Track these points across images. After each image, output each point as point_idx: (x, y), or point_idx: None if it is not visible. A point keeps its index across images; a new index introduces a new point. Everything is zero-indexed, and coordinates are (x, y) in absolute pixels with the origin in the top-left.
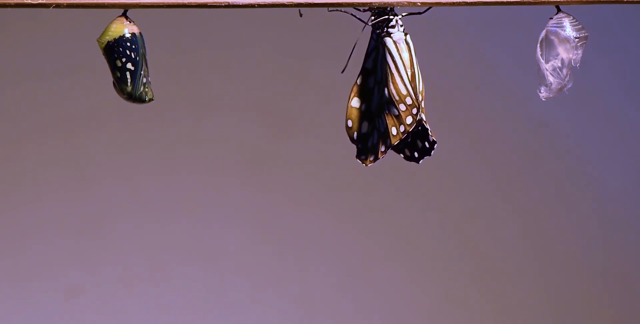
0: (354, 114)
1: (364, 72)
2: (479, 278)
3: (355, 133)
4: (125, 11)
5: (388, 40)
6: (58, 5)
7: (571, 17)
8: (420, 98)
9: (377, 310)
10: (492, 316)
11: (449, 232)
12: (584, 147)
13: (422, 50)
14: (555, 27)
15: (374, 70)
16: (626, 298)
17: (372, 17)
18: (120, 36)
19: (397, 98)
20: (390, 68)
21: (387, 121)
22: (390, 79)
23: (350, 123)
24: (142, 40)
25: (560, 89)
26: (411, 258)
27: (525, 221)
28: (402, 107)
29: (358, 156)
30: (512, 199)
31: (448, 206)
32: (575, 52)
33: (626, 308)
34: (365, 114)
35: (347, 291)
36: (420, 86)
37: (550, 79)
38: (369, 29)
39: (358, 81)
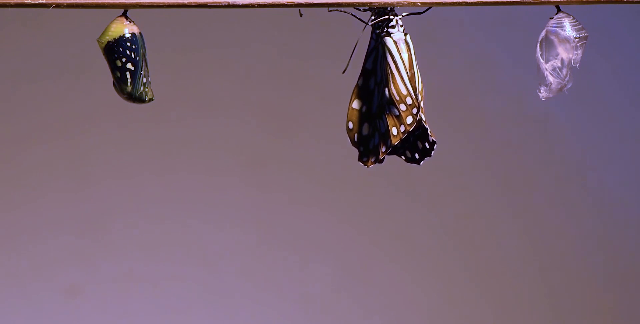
0: (355, 115)
1: (365, 73)
2: (478, 277)
3: (356, 135)
4: (125, 11)
5: (388, 40)
6: (58, 5)
7: (571, 17)
8: (420, 98)
9: (377, 310)
10: (492, 316)
11: (449, 233)
12: (584, 146)
13: (422, 50)
14: (555, 27)
15: (374, 70)
16: (626, 298)
17: (372, 17)
18: (120, 36)
19: (397, 98)
20: (390, 68)
21: (388, 121)
22: (390, 79)
23: (351, 125)
24: (142, 40)
25: (560, 89)
26: (411, 257)
27: (525, 221)
28: (402, 107)
29: (360, 159)
30: (512, 199)
31: (448, 206)
32: (575, 52)
33: (626, 308)
34: (365, 115)
35: (347, 291)
36: (419, 86)
37: (550, 78)
38: (369, 28)
39: (359, 82)
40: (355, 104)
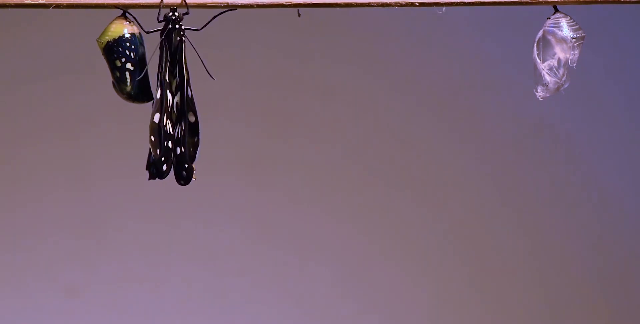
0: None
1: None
2: (477, 277)
3: (159, 150)
4: (124, 11)
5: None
6: (58, 5)
7: (568, 17)
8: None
9: (376, 310)
10: (490, 315)
11: (448, 232)
12: (582, 146)
13: (420, 51)
14: (552, 27)
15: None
16: (624, 298)
17: (175, 24)
18: (119, 36)
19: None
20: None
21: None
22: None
23: (153, 138)
24: (142, 40)
25: (557, 89)
26: (410, 257)
27: (524, 220)
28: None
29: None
30: (511, 199)
31: (447, 206)
32: (572, 52)
33: (624, 308)
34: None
35: (346, 291)
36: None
37: (547, 78)
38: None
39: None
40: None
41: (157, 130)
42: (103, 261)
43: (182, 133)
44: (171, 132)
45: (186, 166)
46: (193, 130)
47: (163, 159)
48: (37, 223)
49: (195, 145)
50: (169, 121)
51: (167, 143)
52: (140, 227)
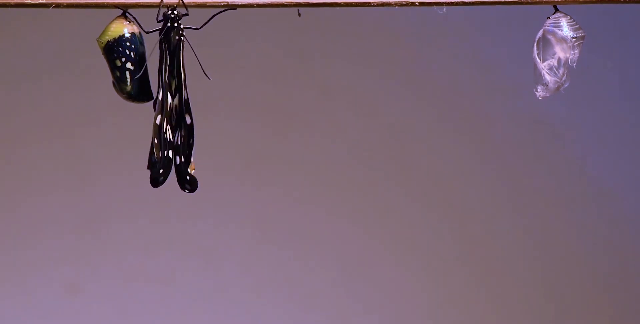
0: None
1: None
2: (479, 276)
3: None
4: (124, 11)
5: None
6: (58, 5)
7: (568, 17)
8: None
9: (377, 308)
10: (492, 315)
11: (450, 231)
12: (583, 145)
13: (420, 50)
14: (552, 26)
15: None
16: (627, 297)
17: (174, 23)
18: (119, 36)
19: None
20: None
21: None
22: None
23: (156, 141)
24: (142, 40)
25: (557, 88)
26: (412, 256)
27: (526, 219)
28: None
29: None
30: (513, 198)
31: (448, 205)
32: (572, 51)
33: (627, 307)
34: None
35: (347, 290)
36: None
37: (547, 78)
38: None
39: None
40: (158, 120)
41: (159, 133)
42: (103, 260)
43: (181, 139)
44: (171, 139)
45: (188, 177)
46: (188, 132)
47: (161, 171)
48: (37, 223)
49: (190, 147)
50: (168, 127)
51: (167, 153)
52: (140, 227)
